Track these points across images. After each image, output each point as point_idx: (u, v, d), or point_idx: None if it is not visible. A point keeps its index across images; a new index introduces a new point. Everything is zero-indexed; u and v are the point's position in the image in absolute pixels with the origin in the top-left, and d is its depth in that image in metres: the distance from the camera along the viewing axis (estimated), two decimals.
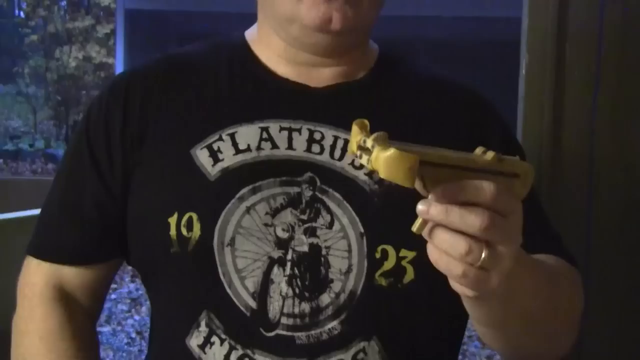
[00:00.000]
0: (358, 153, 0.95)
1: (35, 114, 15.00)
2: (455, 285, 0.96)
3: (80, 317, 1.33)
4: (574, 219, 1.86)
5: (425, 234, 0.94)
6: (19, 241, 1.37)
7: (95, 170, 1.28)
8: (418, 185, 0.94)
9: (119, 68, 12.09)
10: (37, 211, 1.37)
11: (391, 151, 0.89)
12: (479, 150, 0.98)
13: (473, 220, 0.90)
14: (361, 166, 1.22)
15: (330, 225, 1.20)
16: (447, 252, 0.92)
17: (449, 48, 11.30)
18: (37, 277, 1.32)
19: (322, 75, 1.28)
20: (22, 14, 15.02)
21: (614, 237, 1.88)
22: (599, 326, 1.83)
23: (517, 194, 0.99)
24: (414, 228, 0.94)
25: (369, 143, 0.93)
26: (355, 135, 0.96)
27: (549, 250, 1.27)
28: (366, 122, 0.97)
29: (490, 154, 0.97)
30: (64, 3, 15.38)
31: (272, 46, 1.29)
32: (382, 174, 0.90)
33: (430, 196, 0.93)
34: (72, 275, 1.31)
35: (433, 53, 11.03)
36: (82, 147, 1.31)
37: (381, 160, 0.90)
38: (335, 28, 1.19)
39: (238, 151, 1.22)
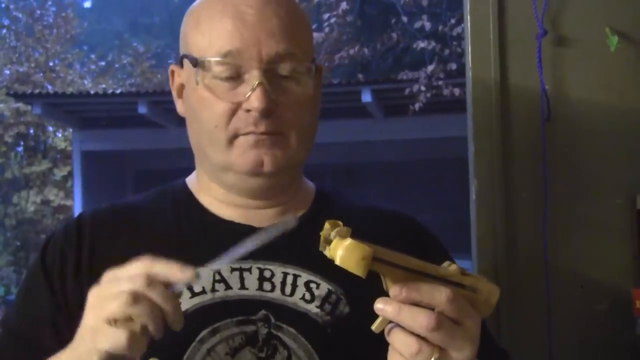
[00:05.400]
0: (323, 245, 1.04)
1: None
2: None
3: None
4: (534, 339, 1.87)
5: (386, 333, 1.02)
6: None
7: (54, 307, 1.27)
8: (383, 285, 1.03)
9: (77, 209, 12.05)
10: None
11: (348, 241, 0.99)
12: (446, 264, 1.06)
13: (421, 320, 0.99)
14: (312, 299, 1.26)
15: None
16: (400, 351, 1.01)
17: (404, 169, 11.48)
18: None
19: (264, 215, 1.34)
20: None
21: (575, 352, 1.89)
22: None
23: (479, 310, 1.05)
24: (374, 327, 1.03)
25: (332, 235, 1.02)
26: (324, 231, 1.04)
27: None
28: (339, 222, 1.05)
29: (453, 266, 1.05)
30: (20, 148, 15.40)
31: (212, 193, 1.34)
32: (338, 261, 0.99)
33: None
34: None
35: (389, 175, 11.21)
36: (39, 287, 1.30)
37: (338, 248, 1.00)
38: (267, 170, 1.26)
39: (194, 294, 1.24)
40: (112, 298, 1.01)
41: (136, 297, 1.00)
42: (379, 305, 1.01)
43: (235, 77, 1.24)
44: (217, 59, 1.24)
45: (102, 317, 1.01)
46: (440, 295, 1.00)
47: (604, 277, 1.89)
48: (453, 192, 7.98)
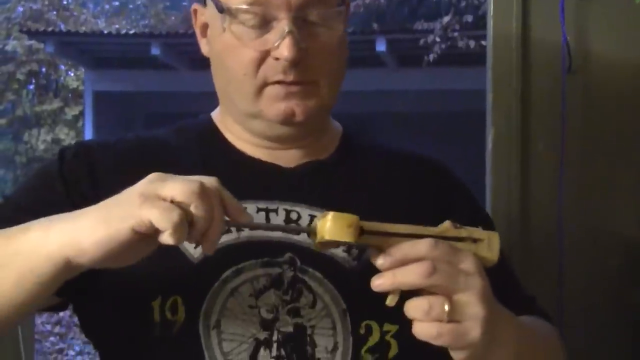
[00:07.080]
0: (316, 246, 1.05)
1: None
2: (453, 354, 1.03)
3: None
4: (545, 293, 1.87)
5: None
6: None
7: (70, 205, 1.13)
8: None
9: None
10: None
11: (330, 214, 1.00)
12: (442, 223, 1.06)
13: (417, 270, 0.99)
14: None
15: (313, 305, 1.20)
16: (416, 317, 1.01)
17: (416, 120, 11.43)
18: None
19: (291, 156, 1.31)
20: None
21: (586, 306, 1.89)
22: None
23: (484, 258, 1.05)
24: (387, 302, 1.02)
25: (317, 223, 1.03)
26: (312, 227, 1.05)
27: (525, 311, 1.31)
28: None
29: (446, 222, 1.05)
30: (32, 86, 15.37)
31: (236, 133, 1.32)
32: (327, 236, 1.00)
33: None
34: None
35: (401, 125, 11.17)
36: (54, 185, 1.24)
37: (324, 225, 1.00)
38: (299, 120, 1.23)
39: None
40: (182, 182, 0.96)
41: (205, 194, 0.96)
42: (376, 282, 1.02)
43: (263, 25, 1.20)
44: (244, 6, 1.20)
45: (161, 190, 0.96)
46: (423, 245, 1.01)
47: (617, 232, 1.89)
48: (464, 145, 7.97)
